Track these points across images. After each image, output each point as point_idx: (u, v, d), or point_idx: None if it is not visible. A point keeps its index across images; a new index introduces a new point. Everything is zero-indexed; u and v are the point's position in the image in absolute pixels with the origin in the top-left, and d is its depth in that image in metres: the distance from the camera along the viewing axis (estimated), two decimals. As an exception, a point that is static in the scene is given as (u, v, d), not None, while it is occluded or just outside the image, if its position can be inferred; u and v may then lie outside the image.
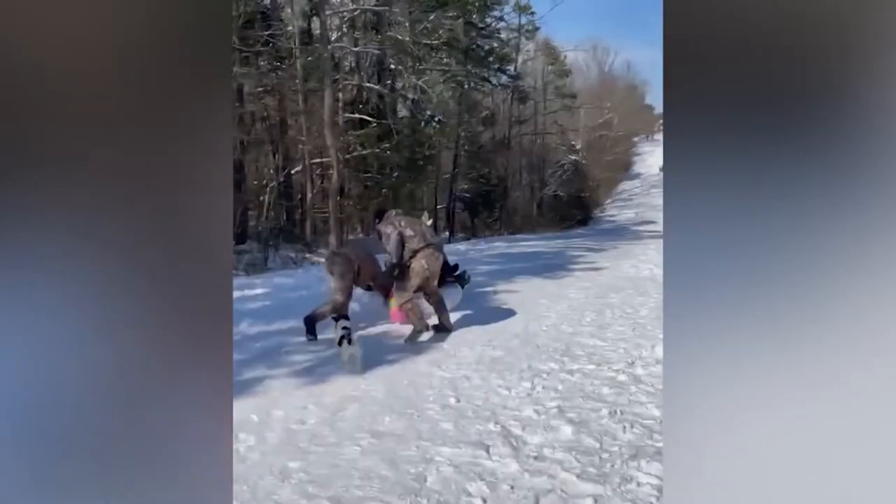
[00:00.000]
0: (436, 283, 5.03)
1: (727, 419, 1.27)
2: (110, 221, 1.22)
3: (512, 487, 2.30)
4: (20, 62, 1.18)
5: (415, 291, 4.90)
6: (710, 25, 1.26)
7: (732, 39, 1.25)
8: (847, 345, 1.20)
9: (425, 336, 4.89)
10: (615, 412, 3.05)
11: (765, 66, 1.23)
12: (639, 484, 2.29)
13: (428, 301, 5.05)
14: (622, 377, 3.64)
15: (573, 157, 38.38)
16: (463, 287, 6.02)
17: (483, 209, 26.56)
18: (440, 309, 5.04)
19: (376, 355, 4.21)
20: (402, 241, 4.81)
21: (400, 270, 4.86)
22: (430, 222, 9.39)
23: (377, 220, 5.17)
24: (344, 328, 4.26)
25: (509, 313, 5.85)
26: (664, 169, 1.34)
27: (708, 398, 1.28)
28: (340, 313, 4.75)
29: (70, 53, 1.20)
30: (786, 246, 1.23)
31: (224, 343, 1.31)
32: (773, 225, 1.23)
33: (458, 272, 6.04)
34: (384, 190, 17.51)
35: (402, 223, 4.93)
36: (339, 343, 4.09)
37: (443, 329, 4.97)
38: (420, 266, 4.81)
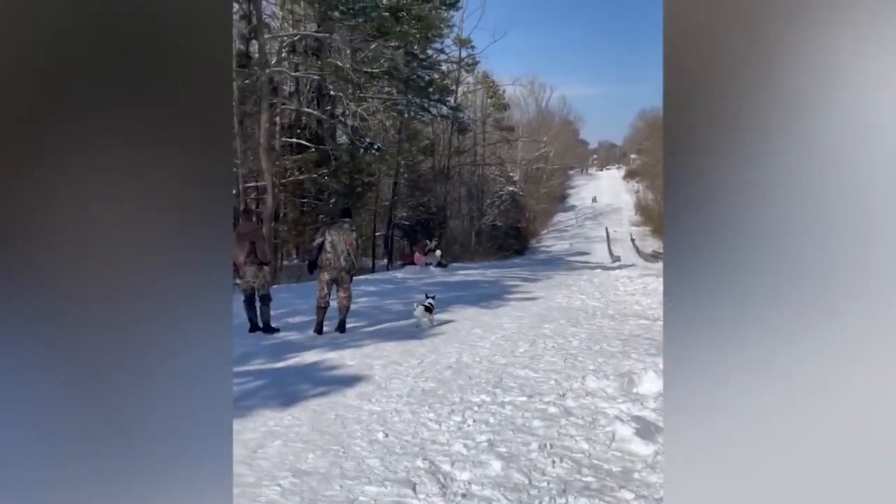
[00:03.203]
0: (346, 279, 6.69)
1: (728, 430, 1.25)
2: (108, 223, 1.26)
3: (437, 528, 2.22)
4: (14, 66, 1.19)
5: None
6: (707, 40, 1.27)
7: (729, 49, 1.26)
8: (849, 355, 1.19)
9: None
10: (545, 445, 3.02)
11: (764, 70, 1.24)
12: (566, 521, 2.26)
13: (338, 290, 6.69)
14: (553, 409, 3.63)
15: (511, 189, 39.22)
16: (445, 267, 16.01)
17: (422, 237, 26.63)
18: (341, 296, 6.66)
19: (303, 388, 4.05)
20: (320, 250, 6.51)
21: (312, 267, 6.74)
22: (433, 244, 17.34)
23: (340, 215, 7.05)
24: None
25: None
26: (665, 170, 1.33)
27: (708, 409, 1.27)
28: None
29: (70, 56, 1.22)
30: (787, 254, 1.22)
31: (224, 344, 1.37)
32: (772, 231, 1.23)
33: (441, 263, 17.15)
34: (321, 216, 17.26)
35: (333, 239, 6.47)
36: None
37: (342, 308, 6.67)
38: (322, 276, 6.57)
